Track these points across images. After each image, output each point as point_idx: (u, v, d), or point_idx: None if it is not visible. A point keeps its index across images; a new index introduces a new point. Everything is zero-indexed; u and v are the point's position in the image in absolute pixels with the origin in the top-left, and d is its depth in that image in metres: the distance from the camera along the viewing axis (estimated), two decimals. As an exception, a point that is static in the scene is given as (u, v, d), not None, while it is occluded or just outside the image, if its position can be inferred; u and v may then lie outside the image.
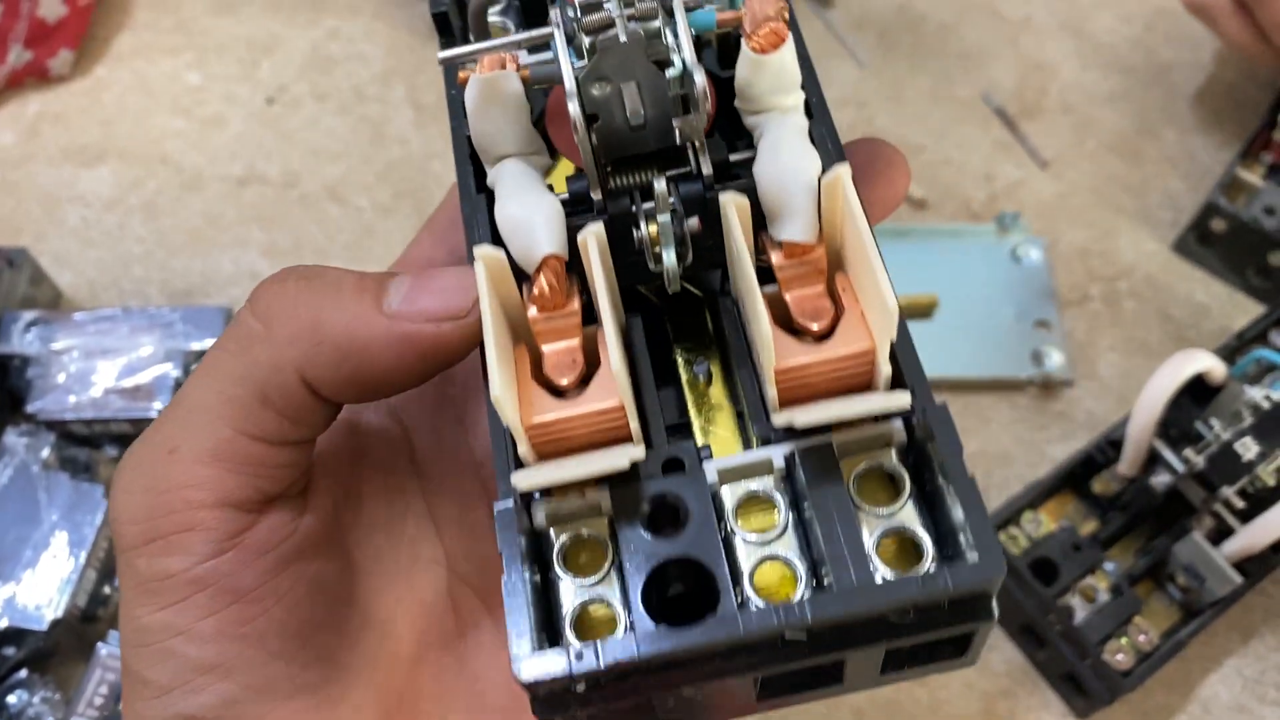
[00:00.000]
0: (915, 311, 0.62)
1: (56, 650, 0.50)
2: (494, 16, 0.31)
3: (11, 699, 0.48)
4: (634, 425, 0.24)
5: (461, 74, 0.26)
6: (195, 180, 0.67)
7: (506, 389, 0.23)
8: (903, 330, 0.24)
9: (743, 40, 0.25)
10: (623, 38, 0.24)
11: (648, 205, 0.26)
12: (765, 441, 0.25)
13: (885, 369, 0.23)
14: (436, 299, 0.26)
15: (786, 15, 0.25)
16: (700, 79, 0.24)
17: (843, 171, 0.24)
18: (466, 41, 0.31)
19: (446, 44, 0.30)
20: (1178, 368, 0.51)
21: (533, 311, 0.25)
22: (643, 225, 0.26)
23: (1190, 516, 0.52)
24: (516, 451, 0.24)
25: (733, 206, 0.24)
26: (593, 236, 0.25)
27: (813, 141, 0.26)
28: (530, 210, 0.25)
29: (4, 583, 0.50)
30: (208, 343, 0.56)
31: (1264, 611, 0.55)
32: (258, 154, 0.69)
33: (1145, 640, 0.51)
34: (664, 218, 0.25)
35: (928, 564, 0.22)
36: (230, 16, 0.74)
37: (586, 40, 0.24)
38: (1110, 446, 0.55)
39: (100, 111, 0.70)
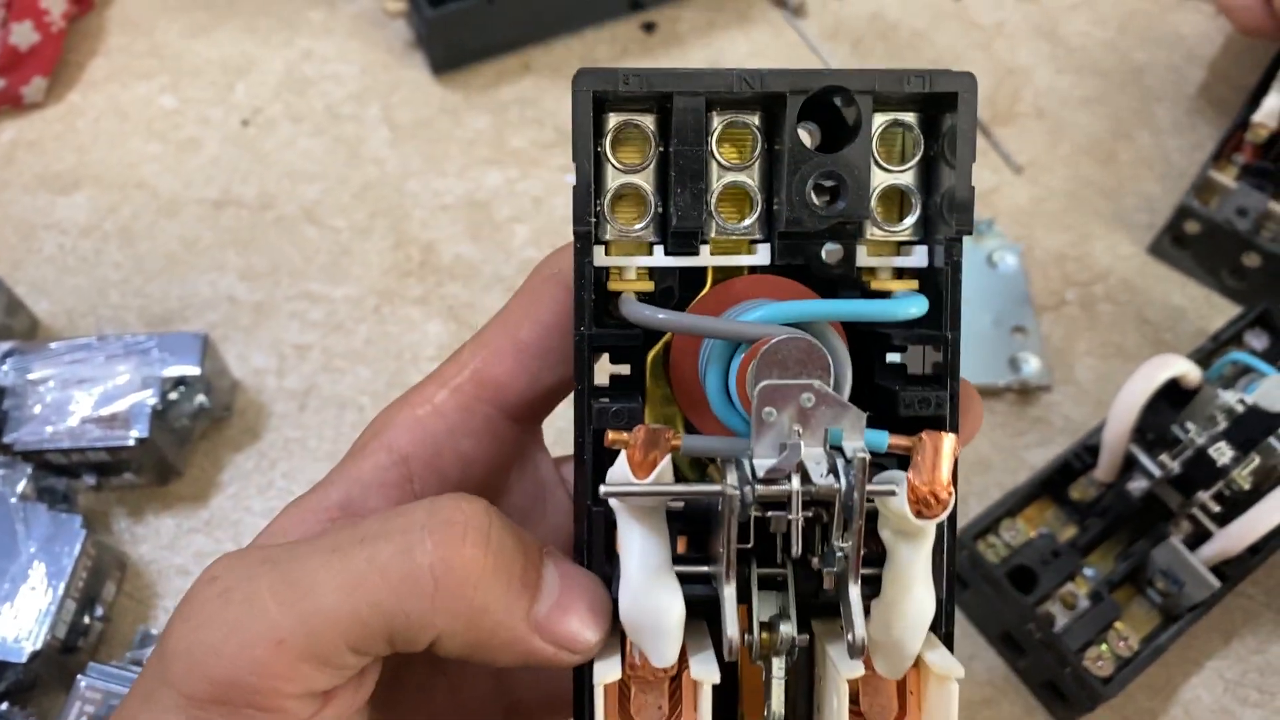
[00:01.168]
0: (892, 320, 0.62)
1: (36, 682, 0.50)
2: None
3: (-8, 732, 0.48)
4: None
5: (611, 437, 0.25)
6: (171, 204, 0.67)
7: None
8: None
9: (902, 489, 0.24)
10: (795, 551, 0.24)
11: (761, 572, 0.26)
12: None
13: None
14: (576, 626, 0.26)
15: (952, 492, 0.24)
16: (859, 618, 0.24)
17: (952, 677, 0.25)
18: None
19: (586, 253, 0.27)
20: (1151, 373, 0.51)
21: (629, 670, 0.26)
22: (756, 626, 0.26)
23: (1168, 521, 0.52)
24: None
25: (843, 682, 0.25)
26: (707, 687, 0.25)
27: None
28: (658, 612, 0.25)
29: (-18, 615, 0.49)
30: (184, 369, 0.56)
31: (1243, 614, 0.56)
32: (233, 177, 0.69)
33: (1125, 646, 0.51)
34: (778, 688, 0.26)
35: None
36: (204, 39, 0.74)
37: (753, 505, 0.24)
38: (1088, 452, 0.55)
39: (75, 138, 0.70)
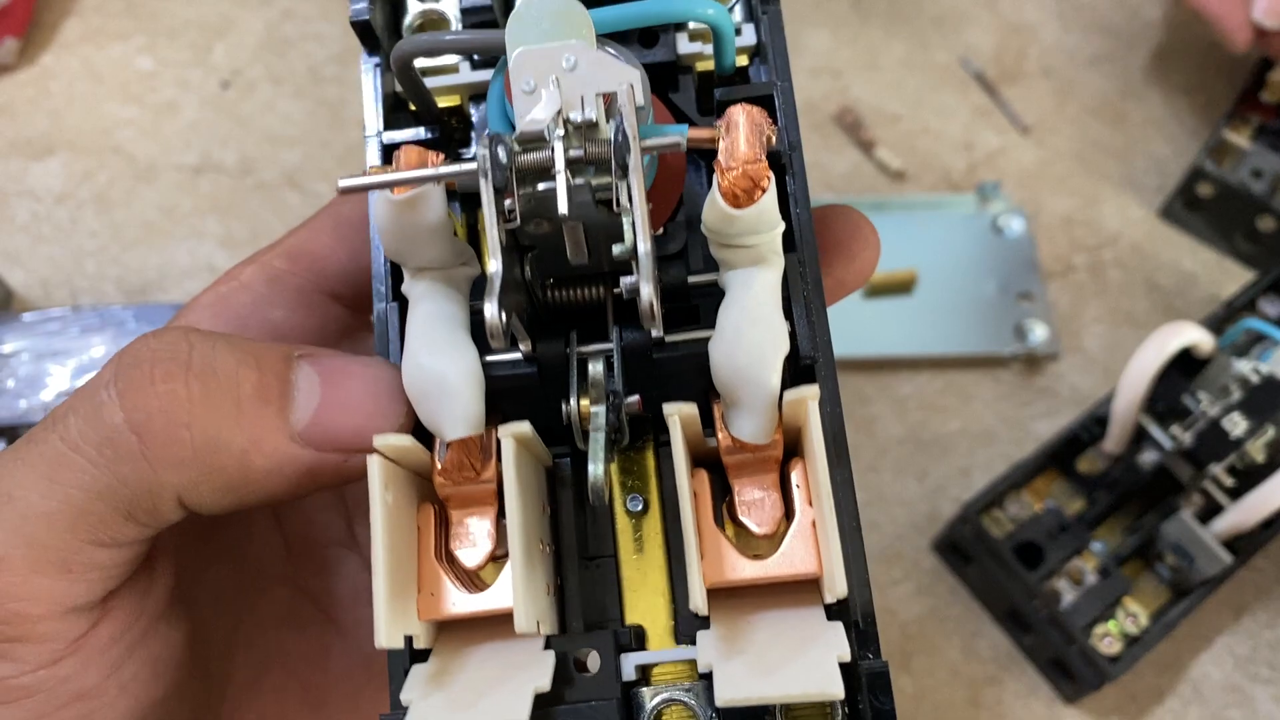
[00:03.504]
0: (894, 287, 0.60)
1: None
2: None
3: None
4: (526, 625, 0.21)
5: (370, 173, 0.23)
6: (148, 170, 0.65)
7: (394, 631, 0.21)
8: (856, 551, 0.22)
9: (715, 174, 0.21)
10: (563, 208, 0.21)
11: (586, 350, 0.23)
12: (691, 640, 0.23)
13: (839, 587, 0.21)
14: (350, 420, 0.22)
15: (770, 145, 0.22)
16: (650, 272, 0.20)
17: (810, 398, 0.21)
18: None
19: (372, 53, 0.26)
20: (1164, 342, 0.49)
21: (439, 478, 0.23)
22: (572, 397, 0.23)
23: (1179, 494, 0.51)
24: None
25: (678, 419, 0.22)
26: (511, 440, 0.22)
27: (781, 301, 0.23)
28: (442, 370, 0.22)
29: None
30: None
31: (1255, 588, 0.54)
32: (213, 141, 0.66)
33: (1133, 623, 0.50)
34: (597, 437, 0.22)
35: None
36: (182, -2, 0.71)
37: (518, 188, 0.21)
38: (1096, 424, 0.53)
39: (48, 101, 0.67)
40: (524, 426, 0.22)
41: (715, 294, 0.23)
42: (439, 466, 0.23)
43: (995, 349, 0.59)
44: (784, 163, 0.24)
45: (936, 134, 0.66)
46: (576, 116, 0.21)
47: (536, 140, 0.21)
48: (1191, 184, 0.61)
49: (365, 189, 0.21)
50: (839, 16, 0.71)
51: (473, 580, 0.23)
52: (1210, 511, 0.50)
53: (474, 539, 0.23)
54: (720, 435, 0.23)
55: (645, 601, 0.24)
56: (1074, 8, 0.72)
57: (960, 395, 0.59)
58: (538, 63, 0.21)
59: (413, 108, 0.27)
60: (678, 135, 0.21)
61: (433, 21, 0.28)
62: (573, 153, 0.21)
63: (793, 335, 0.23)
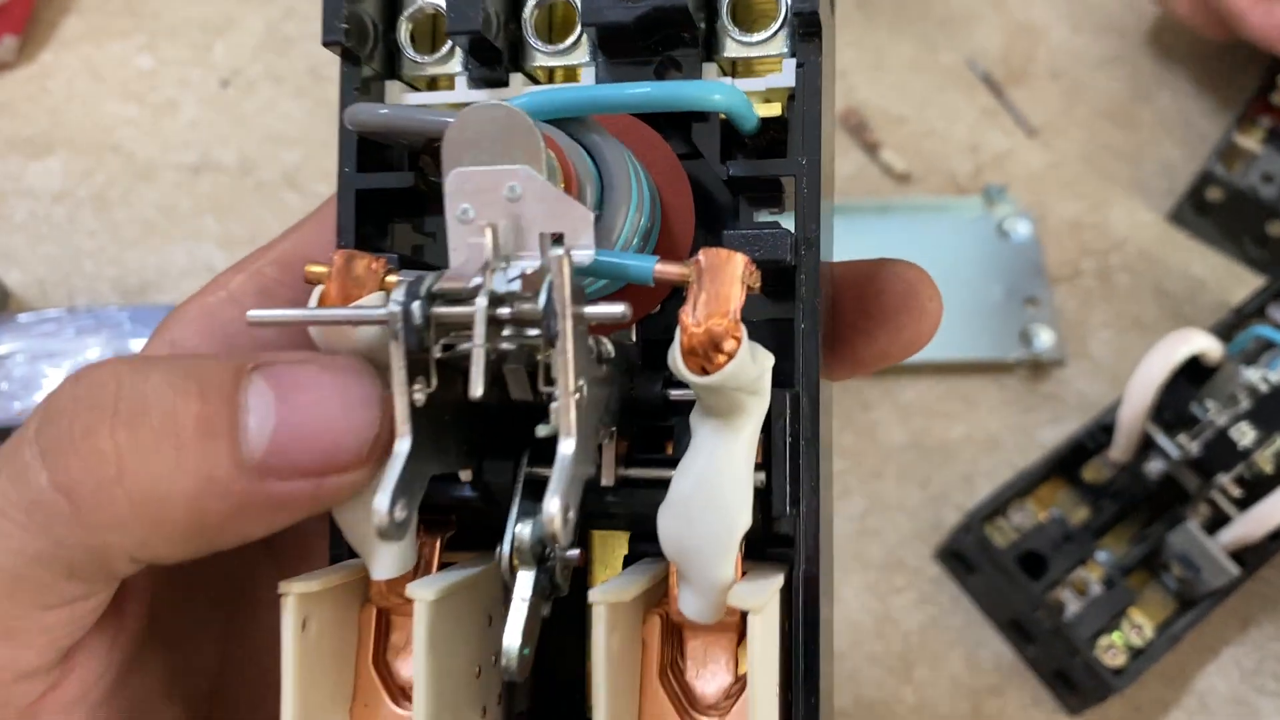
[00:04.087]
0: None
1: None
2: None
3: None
4: None
5: (310, 270, 0.21)
6: (148, 169, 0.65)
7: None
8: None
9: (677, 329, 0.18)
10: (476, 391, 0.18)
11: (538, 471, 0.21)
12: None
13: None
14: (313, 443, 0.19)
15: (753, 291, 0.18)
16: (563, 485, 0.17)
17: (752, 611, 0.19)
18: (373, 62, 0.25)
19: (352, 73, 0.24)
20: (1171, 349, 0.49)
21: (373, 593, 0.21)
22: (507, 541, 0.21)
23: (1185, 504, 0.50)
24: None
25: (604, 611, 0.19)
26: (424, 608, 0.19)
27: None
28: (368, 505, 0.19)
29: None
30: (157, 343, 0.54)
31: (1262, 600, 0.53)
32: (213, 140, 0.66)
33: (1138, 634, 0.49)
34: (520, 607, 0.20)
35: None
36: (183, -4, 0.71)
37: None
38: (1102, 432, 0.52)
39: (47, 99, 0.67)
40: (438, 584, 0.20)
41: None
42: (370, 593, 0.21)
43: (1000, 355, 0.59)
44: (790, 262, 0.21)
45: (942, 136, 0.66)
46: (500, 283, 0.18)
47: (459, 293, 0.18)
48: (1201, 188, 0.60)
49: (274, 324, 0.19)
50: (844, 16, 0.70)
51: (406, 694, 0.21)
52: (1217, 522, 0.49)
53: (406, 659, 0.22)
54: (671, 600, 0.21)
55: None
56: (1083, 8, 0.71)
57: (964, 401, 0.58)
58: (477, 186, 0.19)
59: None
60: (623, 306, 0.18)
61: (428, 17, 0.25)
62: (500, 310, 0.18)
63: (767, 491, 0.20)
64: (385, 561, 0.21)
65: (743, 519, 0.19)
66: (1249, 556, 0.49)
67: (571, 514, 0.17)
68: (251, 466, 0.19)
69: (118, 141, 0.66)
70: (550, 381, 0.18)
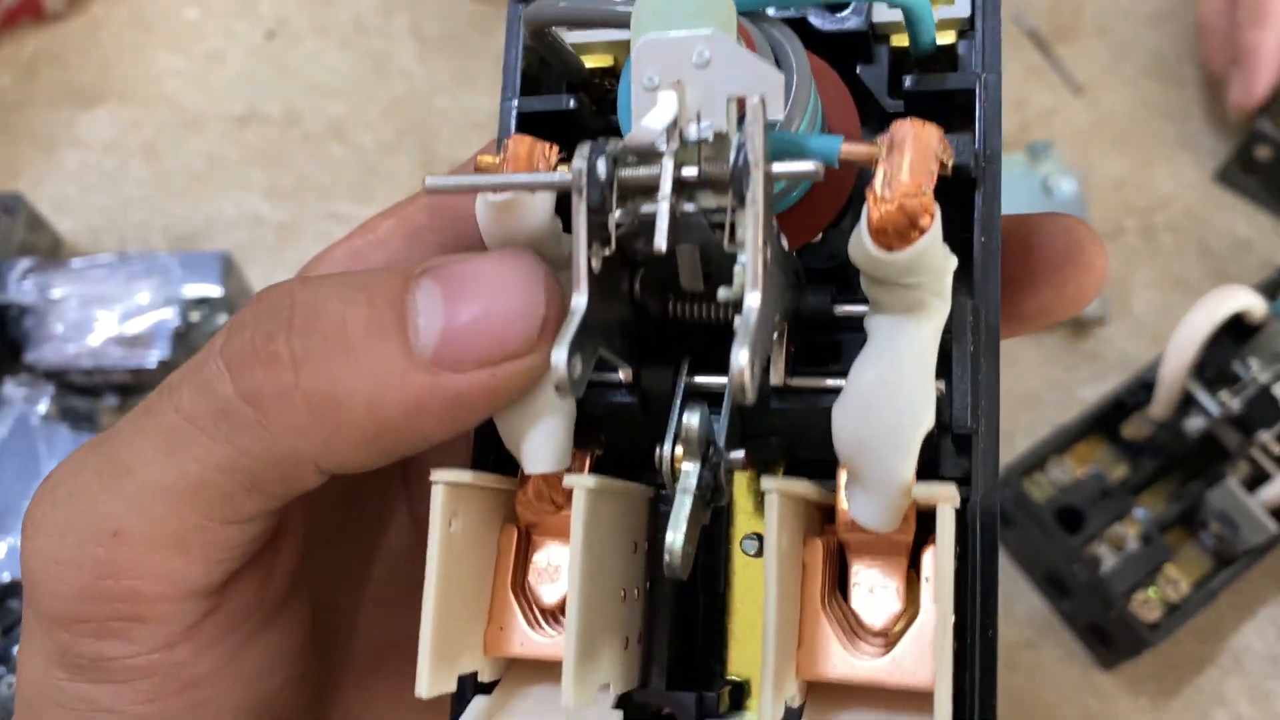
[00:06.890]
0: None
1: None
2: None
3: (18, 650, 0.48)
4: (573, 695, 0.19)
5: (481, 160, 0.20)
6: (195, 120, 0.66)
7: (438, 681, 0.19)
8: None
9: (866, 202, 0.18)
10: (660, 244, 0.17)
11: (699, 381, 0.20)
12: None
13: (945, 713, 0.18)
14: (484, 327, 0.19)
15: (944, 171, 0.18)
16: (750, 335, 0.17)
17: (944, 501, 0.18)
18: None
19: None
20: (1215, 306, 0.48)
21: (520, 504, 0.21)
22: (668, 442, 0.20)
23: (1225, 462, 0.50)
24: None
25: (776, 499, 0.18)
26: (583, 495, 0.19)
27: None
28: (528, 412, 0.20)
29: (6, 536, 0.49)
30: (205, 289, 0.55)
31: (1301, 559, 0.53)
32: (258, 91, 0.66)
33: (1174, 591, 0.49)
34: (683, 500, 0.19)
35: None
36: (229, -52, 0.71)
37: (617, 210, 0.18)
38: (1142, 389, 0.52)
39: (97, 50, 0.68)
40: (589, 481, 0.19)
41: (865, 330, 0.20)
42: (521, 492, 0.21)
43: (1041, 312, 0.58)
44: (974, 175, 0.20)
45: (987, 92, 0.65)
46: (693, 132, 0.18)
47: (646, 152, 0.18)
48: (1249, 147, 0.59)
49: (452, 190, 0.19)
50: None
51: (551, 617, 0.21)
52: (1257, 480, 0.49)
53: (556, 573, 0.21)
54: (839, 509, 0.20)
55: (753, 654, 0.22)
56: (1133, -36, 0.70)
57: (1005, 358, 0.58)
58: (664, 55, 0.18)
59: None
60: (816, 161, 0.17)
61: None
62: (686, 171, 0.18)
63: (949, 399, 0.19)
64: (542, 455, 0.20)
65: (926, 415, 0.18)
66: (1289, 514, 0.49)
67: (758, 368, 0.17)
68: (424, 362, 0.19)
69: (166, 92, 0.67)
70: (734, 243, 0.18)
